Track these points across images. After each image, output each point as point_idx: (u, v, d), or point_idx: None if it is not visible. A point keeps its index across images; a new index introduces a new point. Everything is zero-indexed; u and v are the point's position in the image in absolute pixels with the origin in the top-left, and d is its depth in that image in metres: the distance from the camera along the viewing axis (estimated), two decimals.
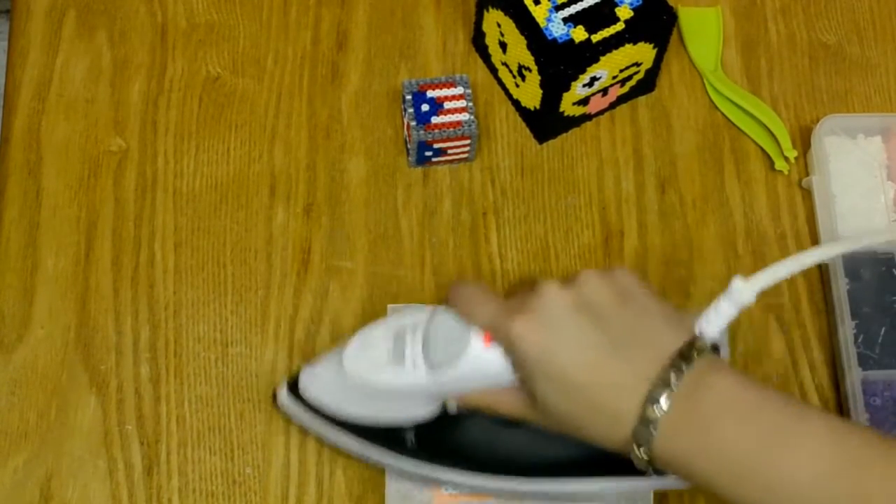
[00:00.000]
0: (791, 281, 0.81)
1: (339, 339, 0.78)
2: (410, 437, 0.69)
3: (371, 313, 0.79)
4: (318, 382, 0.70)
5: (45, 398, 0.75)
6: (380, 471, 0.73)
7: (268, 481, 0.74)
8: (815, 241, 0.83)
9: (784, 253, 0.83)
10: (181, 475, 0.74)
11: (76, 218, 0.81)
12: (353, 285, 0.80)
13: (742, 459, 0.56)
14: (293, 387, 0.71)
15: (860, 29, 0.91)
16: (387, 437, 0.69)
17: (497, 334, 0.62)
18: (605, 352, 0.60)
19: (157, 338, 0.77)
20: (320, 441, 0.73)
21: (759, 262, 0.82)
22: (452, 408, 0.67)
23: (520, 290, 0.64)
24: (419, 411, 0.68)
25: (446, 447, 0.69)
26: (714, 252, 0.82)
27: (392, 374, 0.66)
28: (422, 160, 0.83)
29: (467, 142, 0.82)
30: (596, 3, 0.80)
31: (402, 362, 0.65)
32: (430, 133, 0.80)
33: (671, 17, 0.81)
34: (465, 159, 0.84)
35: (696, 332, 0.61)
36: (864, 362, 0.77)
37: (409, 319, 0.67)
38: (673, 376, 0.58)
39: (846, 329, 0.77)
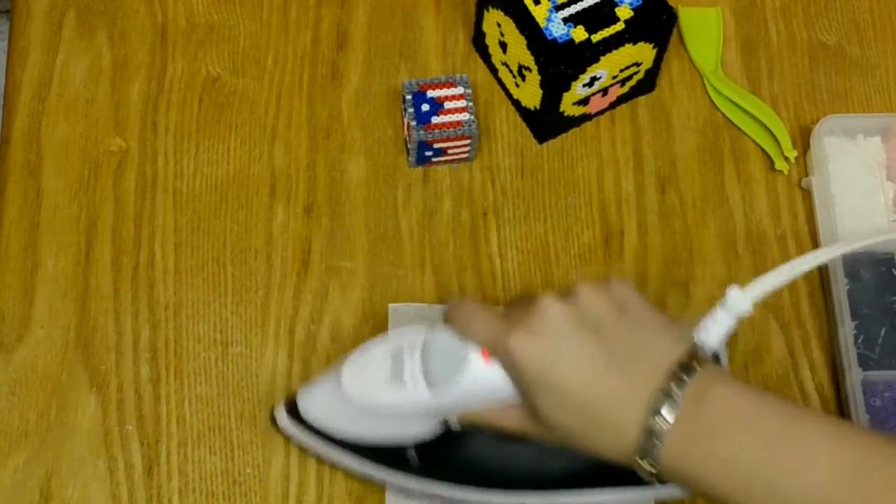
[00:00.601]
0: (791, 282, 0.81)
1: (338, 339, 0.78)
2: (413, 455, 0.69)
3: (371, 313, 0.79)
4: (317, 403, 0.70)
5: (45, 398, 0.75)
6: None
7: (268, 481, 0.74)
8: (814, 241, 0.83)
9: (784, 253, 0.83)
10: (181, 475, 0.74)
11: (76, 218, 0.81)
12: (353, 285, 0.80)
13: (747, 467, 0.57)
14: (292, 408, 0.71)
15: (860, 29, 0.91)
16: (389, 455, 0.69)
17: (496, 350, 0.62)
18: (605, 365, 0.60)
19: (157, 338, 0.77)
20: (321, 461, 0.73)
21: (759, 263, 0.82)
22: (454, 425, 0.67)
23: (517, 304, 0.64)
24: (420, 429, 0.67)
25: (449, 464, 0.69)
26: (714, 252, 0.82)
27: (392, 393, 0.65)
28: (422, 160, 0.83)
29: (467, 142, 0.82)
30: (596, 3, 0.80)
31: (402, 381, 0.65)
32: (430, 133, 0.80)
33: (671, 17, 0.81)
34: (465, 159, 0.84)
35: (696, 342, 0.61)
36: (864, 363, 0.77)
37: (407, 338, 0.66)
38: (675, 388, 0.58)
39: (846, 330, 0.77)
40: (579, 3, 0.80)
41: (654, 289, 0.81)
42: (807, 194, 0.84)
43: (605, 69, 0.80)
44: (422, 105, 0.81)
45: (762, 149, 0.86)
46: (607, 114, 0.87)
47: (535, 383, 0.61)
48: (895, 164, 0.84)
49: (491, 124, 0.86)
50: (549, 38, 0.79)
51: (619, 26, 0.79)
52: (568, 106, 0.82)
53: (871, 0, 0.92)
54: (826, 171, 0.82)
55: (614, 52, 0.79)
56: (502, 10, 0.81)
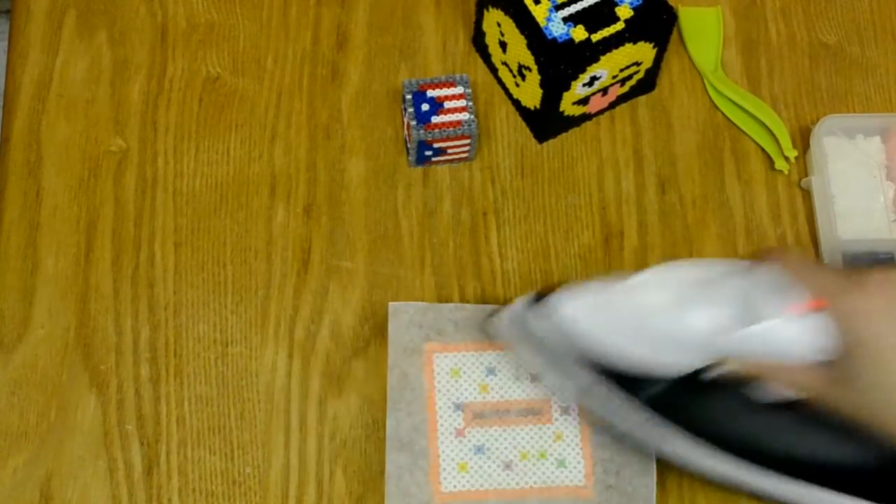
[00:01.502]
0: None
1: (338, 338, 0.78)
2: (654, 390, 0.65)
3: (371, 313, 0.79)
4: (582, 305, 0.66)
5: (45, 398, 0.75)
6: (380, 471, 0.73)
7: (268, 481, 0.74)
8: (814, 240, 0.83)
9: None
10: (181, 475, 0.74)
11: (76, 218, 0.81)
12: (353, 285, 0.80)
13: None
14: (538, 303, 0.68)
15: (860, 29, 0.91)
16: (629, 381, 0.66)
17: (835, 305, 0.60)
18: None
19: (157, 338, 0.77)
20: (544, 371, 0.71)
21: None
22: (727, 369, 0.63)
23: (847, 272, 0.61)
24: (682, 363, 0.64)
25: (687, 412, 0.65)
26: (714, 252, 0.82)
27: (683, 317, 0.62)
28: (422, 160, 0.83)
29: (467, 141, 0.82)
30: (596, 3, 0.80)
31: (698, 309, 0.62)
32: (430, 133, 0.80)
33: (671, 17, 0.81)
34: (465, 159, 0.84)
35: None
36: None
37: (721, 268, 0.63)
38: None
39: None
40: (579, 2, 0.80)
41: None
42: (807, 194, 0.84)
43: (605, 69, 0.80)
44: (422, 105, 0.81)
45: (762, 149, 0.86)
46: (607, 113, 0.87)
47: (873, 351, 0.58)
48: (895, 164, 0.84)
49: (491, 124, 0.86)
50: (549, 37, 0.79)
51: (619, 26, 0.79)
52: (568, 106, 0.82)
53: (871, 0, 0.92)
54: (826, 171, 0.82)
55: (614, 51, 0.79)
56: (502, 9, 0.81)
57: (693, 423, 0.66)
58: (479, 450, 0.73)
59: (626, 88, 0.85)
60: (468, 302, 0.79)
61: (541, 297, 0.68)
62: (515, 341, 0.70)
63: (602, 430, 0.70)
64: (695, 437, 0.66)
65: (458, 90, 0.81)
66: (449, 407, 0.74)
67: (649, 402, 0.66)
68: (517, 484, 0.72)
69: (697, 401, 0.65)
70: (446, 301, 0.79)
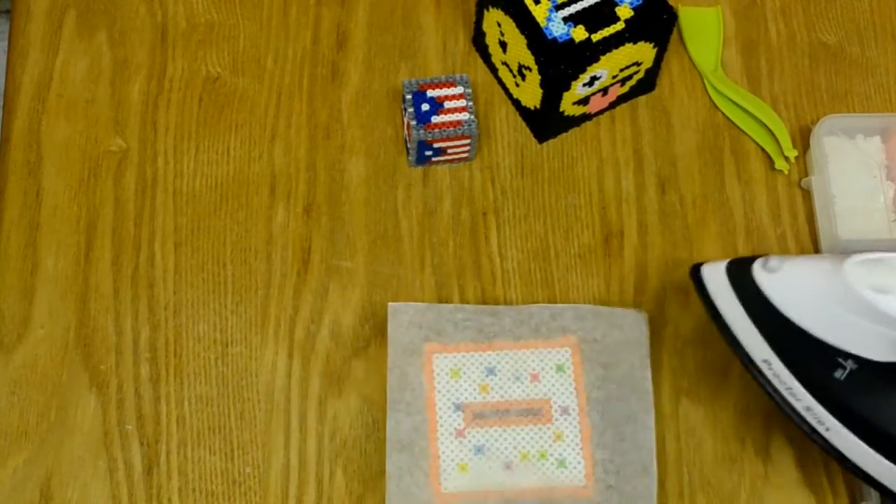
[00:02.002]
0: None
1: (338, 338, 0.78)
2: (843, 374, 0.65)
3: (371, 313, 0.79)
4: (787, 277, 0.67)
5: (45, 398, 0.75)
6: (380, 471, 0.73)
7: (268, 481, 0.74)
8: (814, 240, 0.83)
9: (784, 252, 0.82)
10: (181, 475, 0.74)
11: (76, 218, 0.81)
12: (353, 285, 0.80)
13: None
14: (735, 272, 0.68)
15: (860, 29, 0.91)
16: (818, 366, 0.66)
17: None
18: None
19: (157, 338, 0.77)
20: (725, 335, 0.70)
21: None
22: None
23: None
24: (884, 349, 0.64)
25: (869, 405, 0.66)
26: (714, 252, 0.82)
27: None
28: (422, 160, 0.83)
29: (467, 141, 0.82)
30: (596, 3, 0.80)
31: None
32: (430, 133, 0.80)
33: (671, 17, 0.81)
34: (465, 159, 0.84)
35: None
36: None
37: None
38: None
39: None
40: (579, 2, 0.80)
41: (654, 289, 0.81)
42: (807, 194, 0.84)
43: (605, 69, 0.80)
44: (422, 105, 0.81)
45: (762, 148, 0.86)
46: (607, 113, 0.87)
47: None
48: (895, 163, 0.84)
49: (491, 124, 0.86)
50: (550, 37, 0.79)
51: (620, 26, 0.79)
52: (568, 105, 0.82)
53: (871, 0, 0.92)
54: (826, 171, 0.82)
55: (614, 51, 0.79)
56: (502, 9, 0.81)
57: (871, 413, 0.66)
58: (479, 450, 0.73)
59: (626, 88, 0.85)
60: (468, 302, 0.79)
61: (736, 265, 0.69)
62: (722, 292, 0.70)
63: (776, 403, 0.69)
64: (866, 426, 0.66)
65: (458, 90, 0.81)
66: (449, 407, 0.74)
67: (838, 384, 0.66)
68: (517, 484, 0.72)
69: (884, 390, 0.66)
70: (446, 301, 0.79)
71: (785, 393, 0.68)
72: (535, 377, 0.75)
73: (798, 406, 0.67)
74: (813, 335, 0.66)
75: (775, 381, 0.68)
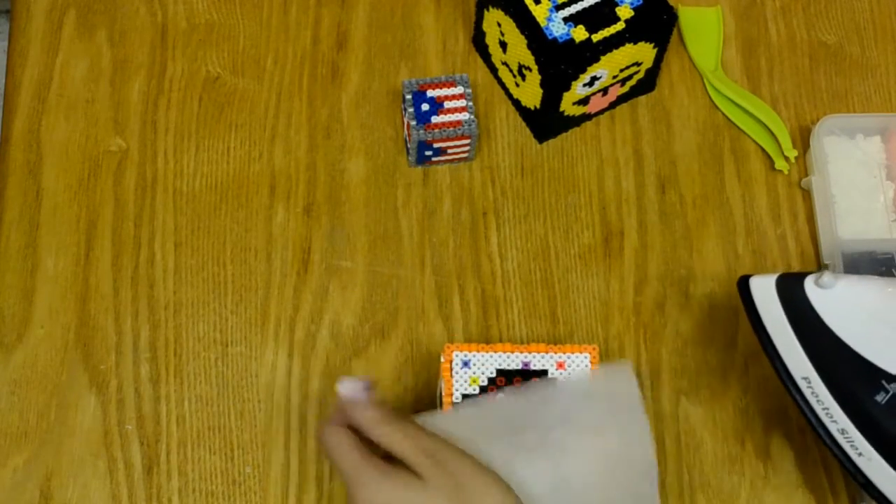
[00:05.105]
0: None
1: (338, 338, 0.78)
2: (885, 398, 0.65)
3: (371, 313, 0.79)
4: (840, 294, 0.66)
5: (45, 398, 0.75)
6: None
7: (268, 481, 0.74)
8: (814, 240, 0.83)
9: (784, 252, 0.83)
10: (181, 475, 0.74)
11: (76, 218, 0.81)
12: (353, 285, 0.80)
13: None
14: (783, 287, 0.68)
15: (860, 29, 0.91)
16: (861, 384, 0.66)
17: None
18: None
19: (157, 338, 0.77)
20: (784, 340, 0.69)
21: (759, 262, 0.82)
22: None
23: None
24: None
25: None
26: (714, 252, 0.82)
27: None
28: (422, 160, 0.83)
29: (467, 141, 0.82)
30: (596, 3, 0.80)
31: None
32: (430, 133, 0.80)
33: (671, 17, 0.81)
34: (465, 159, 0.84)
35: None
36: None
37: None
38: None
39: None
40: (580, 2, 0.80)
41: (654, 289, 0.81)
42: (807, 194, 0.84)
43: (605, 69, 0.80)
44: (422, 105, 0.81)
45: (762, 148, 0.86)
46: (607, 113, 0.87)
47: None
48: (895, 163, 0.84)
49: (491, 124, 0.86)
50: (550, 37, 0.79)
51: (620, 26, 0.79)
52: (568, 105, 0.82)
53: (871, 0, 0.92)
54: (826, 171, 0.82)
55: (614, 51, 0.79)
56: (502, 9, 0.81)
57: None
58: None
59: (626, 88, 0.85)
60: (468, 302, 0.79)
61: (798, 276, 0.68)
62: (769, 305, 0.69)
63: (810, 424, 0.68)
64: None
65: (458, 90, 0.81)
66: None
67: (875, 406, 0.65)
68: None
69: None
70: (446, 301, 0.79)
71: (821, 413, 0.67)
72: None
73: (833, 428, 0.67)
74: (860, 354, 0.66)
75: (812, 400, 0.67)
